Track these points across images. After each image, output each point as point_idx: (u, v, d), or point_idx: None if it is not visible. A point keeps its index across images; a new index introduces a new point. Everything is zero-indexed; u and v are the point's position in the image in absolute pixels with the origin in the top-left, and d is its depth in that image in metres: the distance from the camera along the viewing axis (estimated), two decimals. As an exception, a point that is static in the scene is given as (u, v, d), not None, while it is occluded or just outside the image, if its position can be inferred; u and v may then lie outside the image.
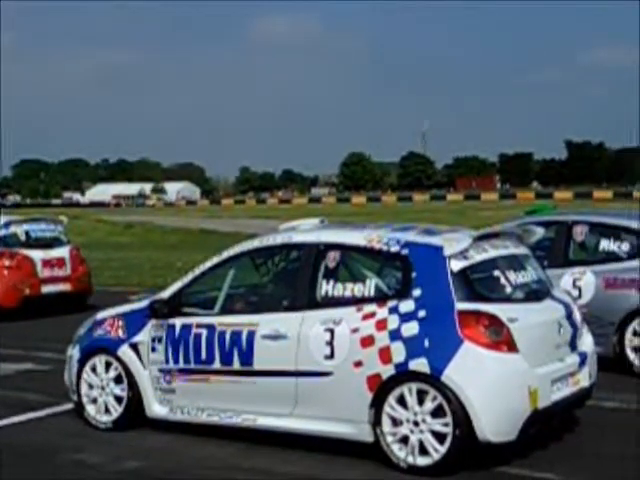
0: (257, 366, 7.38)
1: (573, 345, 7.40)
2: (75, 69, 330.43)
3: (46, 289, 15.97)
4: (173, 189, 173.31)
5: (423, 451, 6.69)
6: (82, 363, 8.34)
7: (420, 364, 6.67)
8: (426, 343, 6.69)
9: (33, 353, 12.18)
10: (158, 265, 25.18)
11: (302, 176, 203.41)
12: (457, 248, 7.00)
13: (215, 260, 7.95)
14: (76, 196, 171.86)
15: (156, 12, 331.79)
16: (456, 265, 6.90)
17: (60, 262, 16.20)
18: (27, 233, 16.29)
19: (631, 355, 9.89)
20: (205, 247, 31.79)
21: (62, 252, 16.39)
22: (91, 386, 8.28)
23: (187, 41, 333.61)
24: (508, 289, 7.11)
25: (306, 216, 9.27)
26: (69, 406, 8.77)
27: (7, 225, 16.22)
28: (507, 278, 7.15)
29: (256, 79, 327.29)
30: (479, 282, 7.03)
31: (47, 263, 15.99)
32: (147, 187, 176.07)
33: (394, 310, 6.87)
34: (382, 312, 6.91)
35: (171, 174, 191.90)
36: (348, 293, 7.17)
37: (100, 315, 8.51)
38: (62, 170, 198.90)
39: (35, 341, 13.27)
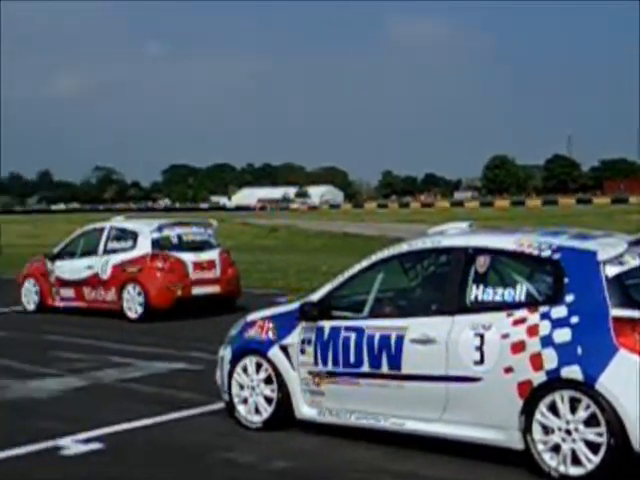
0: (405, 370, 7.38)
1: None
2: (222, 76, 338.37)
3: (196, 291, 16.42)
4: (316, 193, 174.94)
5: (576, 461, 6.54)
6: (233, 364, 8.51)
7: (573, 371, 6.53)
8: (579, 350, 6.55)
9: (185, 353, 12.55)
10: (303, 268, 25.46)
11: (445, 180, 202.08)
12: (612, 253, 6.83)
13: (364, 263, 7.99)
14: (223, 200, 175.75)
15: (290, 14, 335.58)
16: (611, 270, 6.74)
17: (210, 264, 16.62)
18: (179, 236, 16.84)
19: None
20: (349, 251, 32.03)
21: (212, 255, 16.83)
22: (242, 386, 8.44)
23: (322, 44, 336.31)
24: (666, 296, 6.87)
25: (449, 220, 9.23)
26: (220, 405, 8.97)
27: (160, 228, 16.80)
28: None
29: (396, 81, 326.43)
30: (635, 288, 6.83)
31: (198, 265, 16.45)
32: (291, 191, 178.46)
33: (546, 316, 6.76)
34: (533, 318, 6.80)
35: (315, 178, 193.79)
36: (498, 298, 7.09)
37: (251, 317, 8.68)
38: (210, 175, 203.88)
39: (187, 341, 13.67)
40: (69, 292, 17.43)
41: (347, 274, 8.05)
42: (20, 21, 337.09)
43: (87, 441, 8.07)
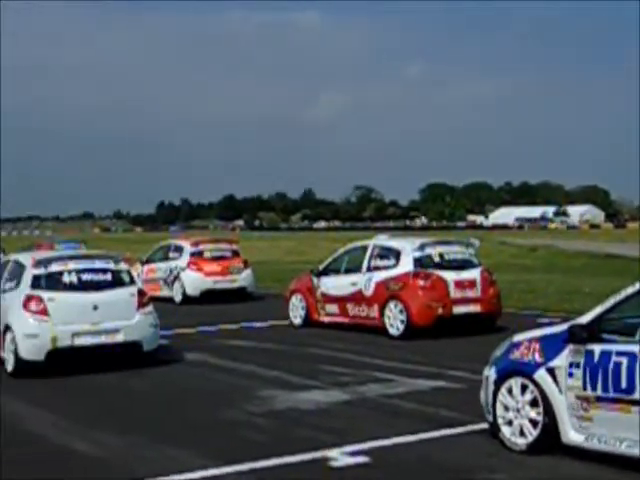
0: (680, 399, 7.04)
1: None
2: (477, 95, 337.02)
3: (457, 309, 16.39)
4: (576, 212, 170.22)
5: None
6: (498, 384, 8.45)
7: None
8: None
9: (446, 371, 12.57)
10: (563, 289, 24.81)
11: None
12: None
13: (638, 286, 7.71)
14: (480, 219, 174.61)
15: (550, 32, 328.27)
16: None
17: (471, 284, 16.56)
18: (441, 255, 16.87)
19: None
20: (610, 272, 30.92)
21: (473, 274, 16.75)
22: (507, 408, 8.36)
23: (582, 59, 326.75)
24: None
25: None
26: (482, 425, 8.91)
27: (422, 247, 16.92)
28: None
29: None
30: None
31: (459, 284, 16.43)
32: (549, 210, 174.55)
33: None
34: None
35: (574, 197, 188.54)
36: None
37: (517, 338, 8.58)
38: (467, 193, 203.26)
39: (447, 359, 13.69)
40: (333, 307, 17.96)
41: (619, 296, 7.80)
42: (280, 45, 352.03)
43: (354, 454, 8.29)
